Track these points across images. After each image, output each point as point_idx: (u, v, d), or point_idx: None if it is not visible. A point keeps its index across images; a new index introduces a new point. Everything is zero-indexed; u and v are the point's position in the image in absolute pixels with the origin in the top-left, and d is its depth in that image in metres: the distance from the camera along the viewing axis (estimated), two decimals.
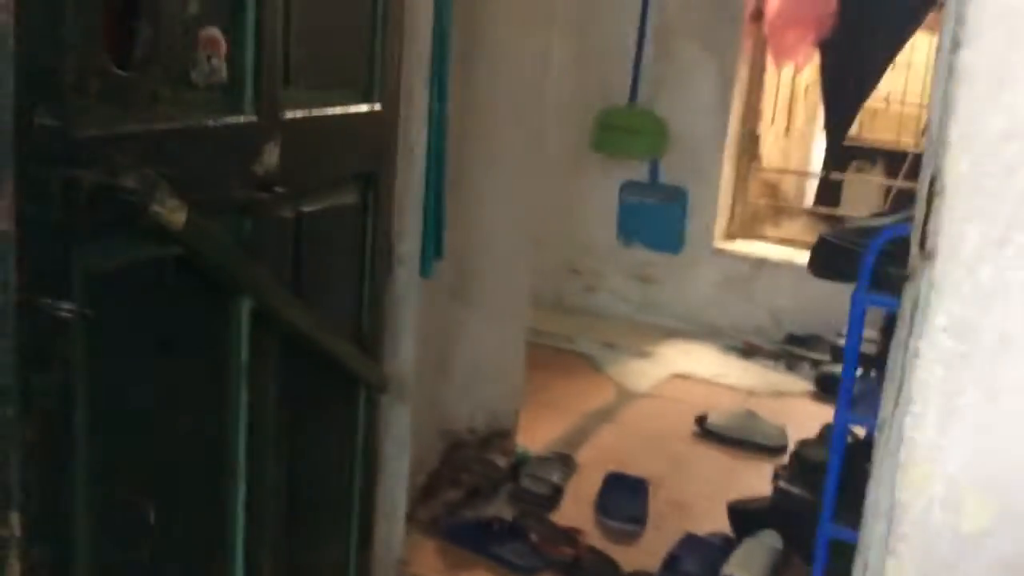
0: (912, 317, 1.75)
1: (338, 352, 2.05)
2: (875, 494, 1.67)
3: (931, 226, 1.67)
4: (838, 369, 4.18)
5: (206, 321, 1.66)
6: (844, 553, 1.81)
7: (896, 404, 1.79)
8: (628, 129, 4.77)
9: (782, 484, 2.82)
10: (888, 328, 2.67)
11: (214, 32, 1.54)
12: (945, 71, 1.69)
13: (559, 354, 4.48)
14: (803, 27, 4.55)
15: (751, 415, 3.72)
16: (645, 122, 4.74)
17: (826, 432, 2.85)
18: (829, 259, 2.46)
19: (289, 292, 1.86)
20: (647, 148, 4.75)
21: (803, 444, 2.86)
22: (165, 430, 1.56)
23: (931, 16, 4.56)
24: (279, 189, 1.76)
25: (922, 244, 1.68)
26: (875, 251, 2.28)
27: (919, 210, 1.73)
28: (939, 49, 1.69)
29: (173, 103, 1.46)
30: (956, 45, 1.62)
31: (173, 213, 1.42)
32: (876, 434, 1.82)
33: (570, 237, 4.94)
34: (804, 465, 2.68)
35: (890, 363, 1.83)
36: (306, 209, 1.92)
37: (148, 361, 1.52)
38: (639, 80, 4.69)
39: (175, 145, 1.46)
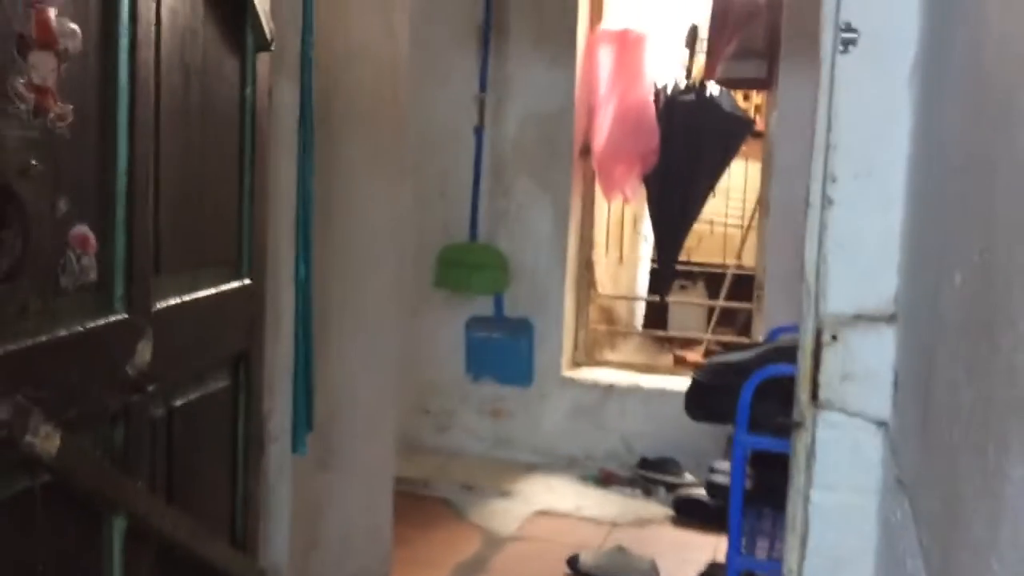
0: (808, 465, 1.78)
1: (216, 558, 1.86)
2: None
3: (822, 377, 1.72)
4: (695, 493, 4.26)
5: (77, 548, 1.47)
6: None
7: (802, 555, 1.80)
8: (470, 265, 4.77)
9: None
10: (757, 461, 2.72)
11: (84, 230, 1.40)
12: (817, 228, 1.77)
13: (418, 501, 4.30)
14: (629, 162, 4.76)
15: (621, 551, 3.68)
16: (486, 257, 4.77)
17: (712, 572, 2.84)
18: (705, 402, 2.49)
19: (163, 501, 1.68)
20: (490, 283, 4.76)
21: None
22: None
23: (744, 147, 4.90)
24: (151, 388, 1.60)
25: (814, 394, 1.73)
26: (750, 394, 2.32)
27: (804, 361, 1.79)
28: (808, 204, 1.77)
29: (43, 313, 1.30)
30: (829, 203, 1.71)
31: (47, 441, 1.25)
32: None
33: (418, 376, 4.84)
34: None
35: (789, 510, 1.84)
36: (178, 403, 1.76)
37: None
38: (478, 217, 4.74)
39: (46, 361, 1.30)
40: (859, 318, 1.68)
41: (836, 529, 1.72)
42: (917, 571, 1.20)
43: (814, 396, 1.69)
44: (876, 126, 1.63)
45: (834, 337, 1.69)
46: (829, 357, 1.69)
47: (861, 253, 1.65)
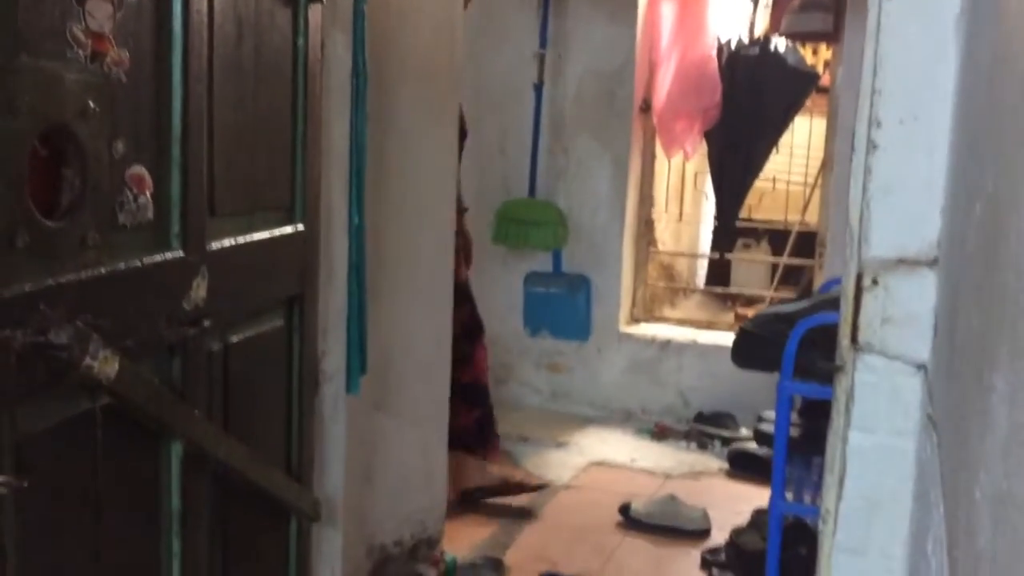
0: (847, 408, 1.79)
1: (270, 486, 1.96)
2: None
3: (862, 320, 1.73)
4: (750, 446, 4.27)
5: (136, 471, 1.57)
6: None
7: (839, 496, 1.81)
8: (529, 221, 4.82)
9: (717, 574, 2.81)
10: (806, 411, 2.73)
11: (140, 170, 1.48)
12: (862, 173, 1.77)
13: None
14: (690, 118, 4.73)
15: (672, 500, 3.72)
16: (545, 213, 4.80)
17: (757, 518, 2.86)
18: (751, 350, 2.51)
19: (219, 429, 1.77)
20: (548, 239, 4.80)
21: (737, 532, 2.86)
22: None
23: (808, 102, 4.82)
24: (207, 323, 1.69)
25: (853, 338, 1.73)
26: (796, 341, 2.33)
27: (845, 305, 1.79)
28: (853, 150, 1.77)
29: (102, 247, 1.39)
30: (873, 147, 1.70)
31: (105, 365, 1.34)
32: (820, 524, 1.83)
33: None
34: (741, 555, 2.68)
35: (828, 453, 1.85)
36: (233, 339, 1.85)
37: (80, 521, 1.41)
38: (537, 173, 4.77)
39: (105, 291, 1.39)
40: (901, 262, 1.67)
41: (874, 471, 1.73)
42: (937, 500, 1.22)
43: (854, 340, 1.70)
44: (922, 71, 1.62)
45: (875, 281, 1.69)
46: (869, 301, 1.70)
47: (905, 198, 1.65)
